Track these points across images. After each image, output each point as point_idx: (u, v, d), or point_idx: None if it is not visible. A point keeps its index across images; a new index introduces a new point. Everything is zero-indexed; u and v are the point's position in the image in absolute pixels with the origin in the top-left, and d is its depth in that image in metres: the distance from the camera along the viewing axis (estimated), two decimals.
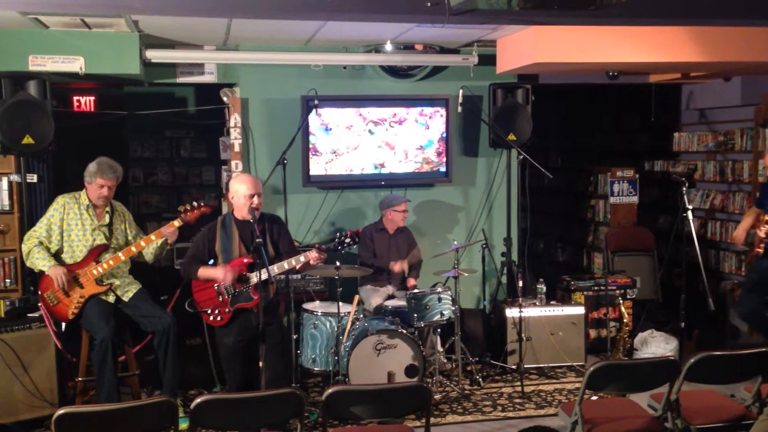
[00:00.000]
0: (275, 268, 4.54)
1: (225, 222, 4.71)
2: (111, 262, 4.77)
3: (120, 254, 4.78)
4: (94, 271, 4.74)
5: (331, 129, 6.26)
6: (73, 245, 4.80)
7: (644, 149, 8.88)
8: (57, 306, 4.75)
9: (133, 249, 4.81)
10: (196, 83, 6.36)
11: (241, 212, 4.63)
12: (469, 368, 5.81)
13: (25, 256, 4.78)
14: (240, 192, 4.60)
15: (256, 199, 4.58)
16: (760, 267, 5.49)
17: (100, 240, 4.84)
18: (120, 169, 4.90)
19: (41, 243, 4.75)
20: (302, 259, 4.58)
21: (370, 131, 6.35)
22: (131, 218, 5.10)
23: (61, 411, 3.03)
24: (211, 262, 4.72)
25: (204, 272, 4.64)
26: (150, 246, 4.90)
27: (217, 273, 4.59)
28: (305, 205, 6.41)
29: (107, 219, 4.90)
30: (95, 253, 4.79)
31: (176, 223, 4.82)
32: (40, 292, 4.79)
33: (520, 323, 5.82)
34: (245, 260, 4.59)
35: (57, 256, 4.79)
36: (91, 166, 4.82)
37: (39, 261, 4.70)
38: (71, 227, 4.80)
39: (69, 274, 4.69)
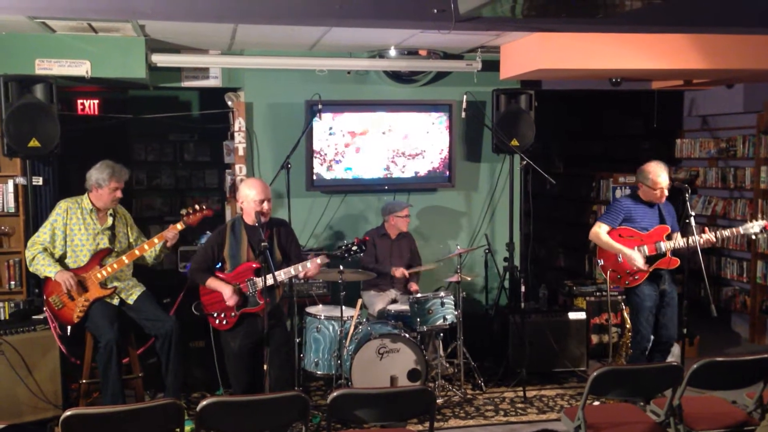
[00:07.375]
0: (282, 274, 4.55)
1: (235, 227, 4.69)
2: (115, 266, 4.78)
3: (124, 257, 4.80)
4: (98, 275, 4.76)
5: (334, 134, 6.29)
6: (77, 250, 4.81)
7: (646, 155, 8.86)
8: (62, 310, 4.76)
9: (137, 252, 4.83)
10: (201, 87, 6.38)
11: (251, 217, 4.62)
12: (471, 373, 5.83)
13: (29, 263, 4.77)
14: (250, 197, 4.57)
15: (266, 205, 4.56)
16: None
17: (104, 244, 4.85)
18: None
19: (45, 249, 4.74)
20: (308, 266, 4.59)
21: (373, 136, 6.37)
22: (132, 221, 5.11)
23: (68, 412, 3.05)
24: (219, 266, 4.74)
25: (212, 283, 4.63)
26: (152, 249, 4.91)
27: (224, 291, 4.58)
28: (308, 209, 6.43)
29: (110, 222, 4.90)
30: (99, 257, 4.80)
31: (179, 226, 4.83)
32: (45, 297, 4.80)
33: (522, 328, 5.83)
34: (253, 265, 4.60)
35: (61, 260, 4.79)
36: (101, 171, 4.79)
37: (45, 267, 4.69)
38: (74, 232, 4.80)
39: (75, 279, 4.71)
